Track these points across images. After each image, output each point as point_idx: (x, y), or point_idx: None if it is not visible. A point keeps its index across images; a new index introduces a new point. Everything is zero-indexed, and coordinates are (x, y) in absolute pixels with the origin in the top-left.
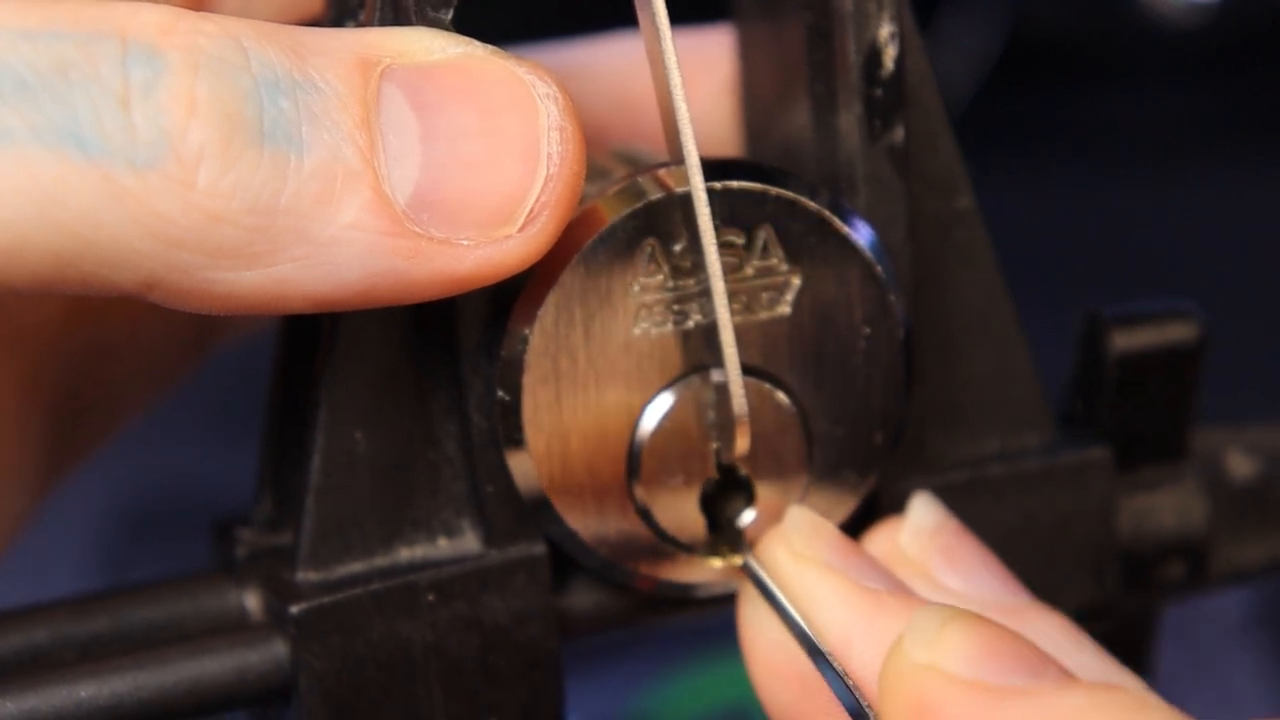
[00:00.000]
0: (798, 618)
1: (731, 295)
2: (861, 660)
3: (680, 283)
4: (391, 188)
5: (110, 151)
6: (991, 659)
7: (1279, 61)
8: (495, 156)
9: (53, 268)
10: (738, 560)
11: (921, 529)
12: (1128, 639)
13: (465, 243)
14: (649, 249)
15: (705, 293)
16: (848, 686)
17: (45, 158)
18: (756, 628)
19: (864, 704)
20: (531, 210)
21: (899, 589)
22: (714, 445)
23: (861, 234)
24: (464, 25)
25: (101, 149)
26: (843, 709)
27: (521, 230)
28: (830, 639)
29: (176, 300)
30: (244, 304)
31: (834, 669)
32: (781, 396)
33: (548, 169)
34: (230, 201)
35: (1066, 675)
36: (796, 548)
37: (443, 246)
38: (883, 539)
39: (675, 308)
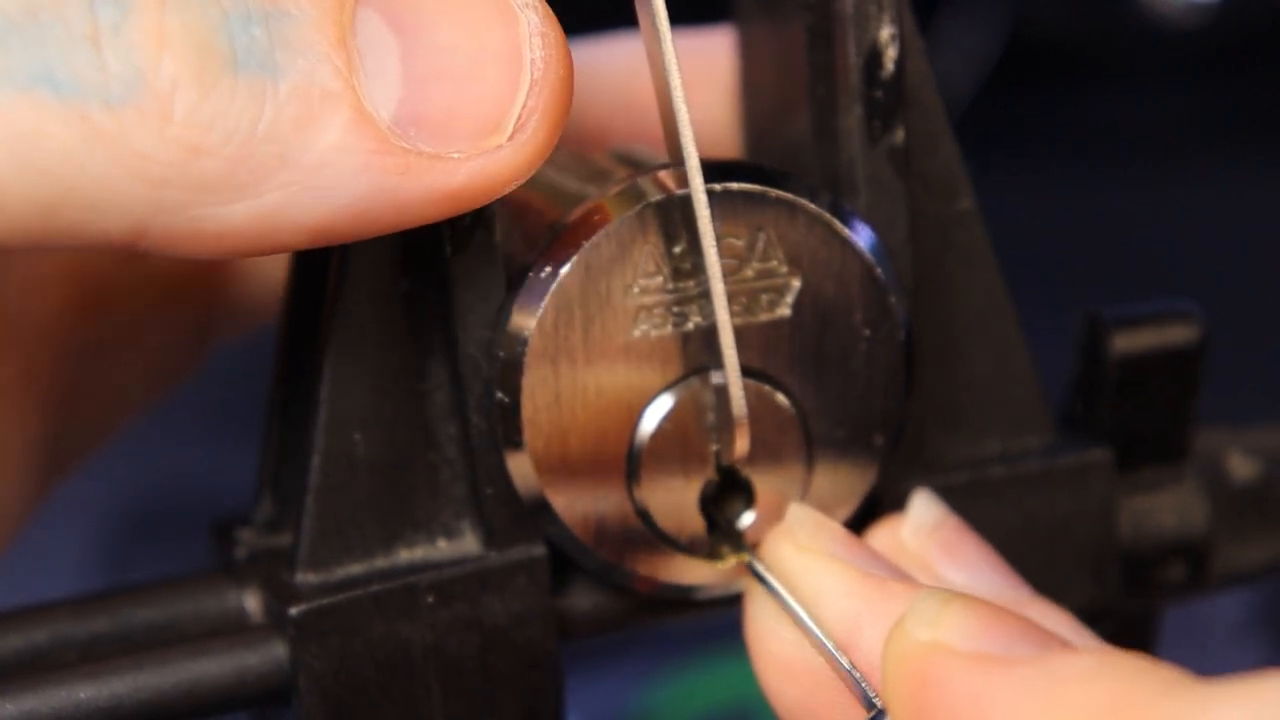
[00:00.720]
0: (802, 612)
1: (731, 297)
2: (871, 647)
3: (680, 284)
4: (374, 105)
5: (84, 91)
6: (994, 633)
7: (1279, 61)
8: (477, 67)
9: (37, 217)
10: (737, 561)
11: (922, 525)
12: (1129, 641)
13: (456, 155)
14: (649, 251)
15: (705, 294)
16: (857, 679)
17: (18, 101)
18: (764, 626)
19: (873, 696)
20: (520, 117)
21: (904, 577)
22: (714, 447)
23: (862, 235)
24: None
25: (75, 88)
26: (852, 703)
27: (512, 139)
28: (838, 628)
29: (169, 245)
30: (237, 243)
31: (841, 661)
32: (781, 398)
33: (532, 74)
34: (208, 132)
35: (1070, 645)
36: (801, 541)
37: (433, 161)
38: (884, 535)
39: (675, 309)
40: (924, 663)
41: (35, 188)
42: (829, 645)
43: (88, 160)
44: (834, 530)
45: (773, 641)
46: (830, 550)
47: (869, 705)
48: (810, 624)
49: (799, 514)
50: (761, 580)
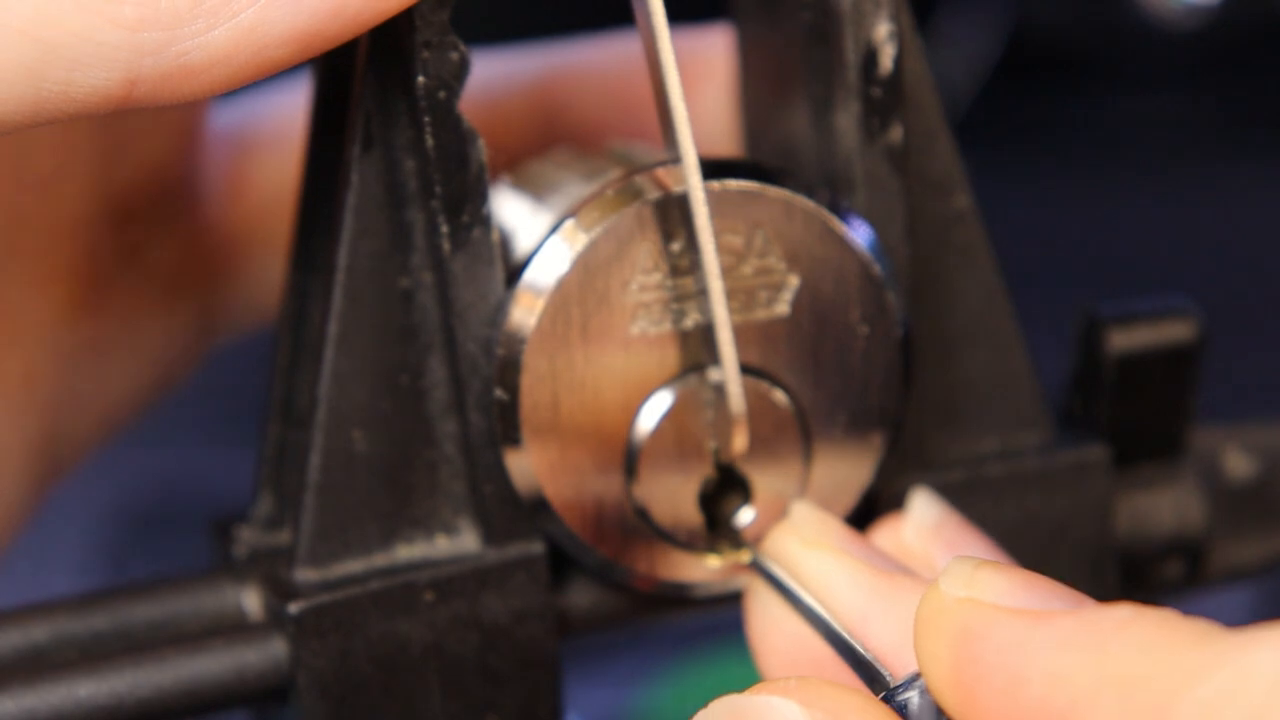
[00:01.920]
0: (810, 600)
1: (729, 294)
2: (880, 639)
3: (678, 282)
4: None
5: None
6: (1030, 590)
7: (1278, 63)
8: None
9: (25, 83)
10: (736, 558)
11: (924, 524)
12: None
13: None
14: (647, 248)
15: (703, 292)
16: (868, 660)
17: None
18: (767, 621)
19: (886, 675)
20: None
21: (910, 572)
22: (712, 444)
23: (859, 233)
24: (464, 25)
25: None
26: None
27: None
28: (847, 621)
29: (164, 89)
30: (230, 70)
31: (852, 645)
32: (779, 395)
33: None
34: None
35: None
36: (807, 536)
37: None
38: (886, 535)
39: (673, 307)
40: (962, 618)
41: (16, 51)
42: (842, 632)
43: (60, 14)
44: (839, 527)
45: (776, 636)
46: (837, 545)
47: (881, 686)
48: (821, 611)
49: (802, 510)
50: (766, 574)
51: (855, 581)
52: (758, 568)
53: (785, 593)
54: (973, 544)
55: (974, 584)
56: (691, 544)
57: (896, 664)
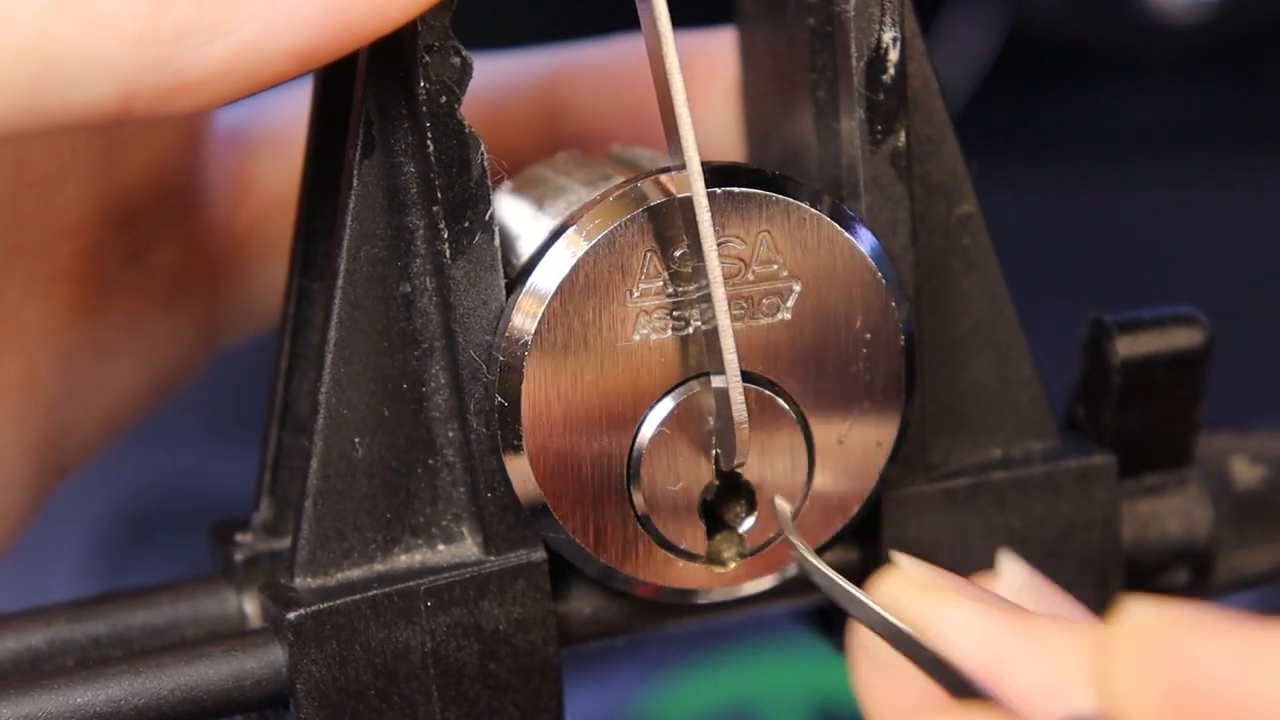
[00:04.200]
0: (928, 646)
1: (732, 301)
2: (1022, 680)
3: (680, 288)
4: None
5: None
6: (1215, 614)
7: (1279, 59)
8: None
9: (23, 98)
10: (737, 565)
11: (1013, 584)
12: None
13: None
14: (649, 254)
15: (706, 298)
16: (958, 671)
17: None
18: (875, 670)
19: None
20: None
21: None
22: (714, 451)
23: (863, 239)
24: (464, 26)
25: None
26: None
27: None
28: (981, 666)
29: (161, 103)
30: (227, 84)
31: (973, 687)
32: (782, 402)
33: None
34: None
35: None
36: (923, 583)
37: None
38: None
39: (675, 313)
40: (1172, 642)
41: (16, 66)
42: (962, 673)
43: (62, 29)
44: (943, 571)
45: (887, 686)
46: (957, 588)
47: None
48: (939, 654)
49: (905, 560)
50: (877, 623)
51: (987, 623)
52: (870, 622)
53: (897, 641)
54: (1062, 604)
55: (1164, 611)
56: (693, 552)
57: (1042, 705)
